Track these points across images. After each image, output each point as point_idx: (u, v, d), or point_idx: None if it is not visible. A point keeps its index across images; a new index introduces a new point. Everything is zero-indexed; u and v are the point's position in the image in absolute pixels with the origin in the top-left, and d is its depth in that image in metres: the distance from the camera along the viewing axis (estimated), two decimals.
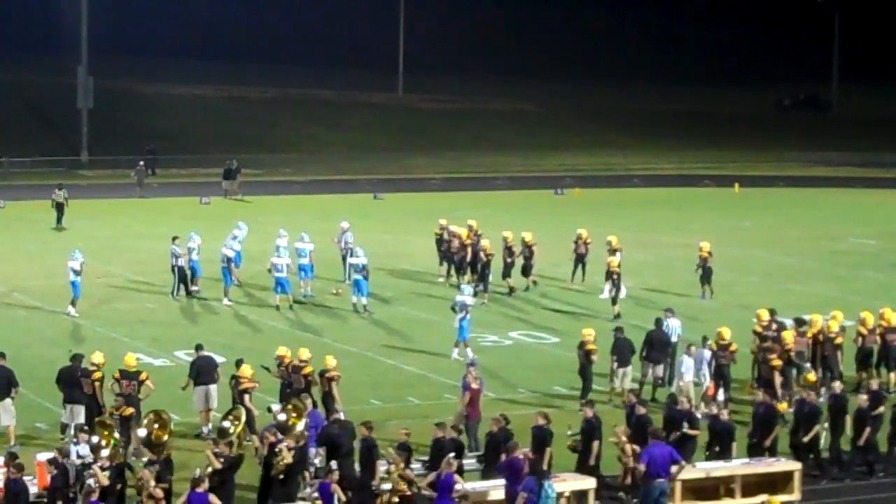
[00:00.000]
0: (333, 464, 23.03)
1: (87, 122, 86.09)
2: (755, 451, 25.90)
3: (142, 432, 23.41)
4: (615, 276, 41.20)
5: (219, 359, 33.45)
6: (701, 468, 24.63)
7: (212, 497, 21.64)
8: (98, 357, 27.94)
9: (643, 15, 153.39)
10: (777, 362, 30.34)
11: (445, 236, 46.26)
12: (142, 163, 73.60)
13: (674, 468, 23.71)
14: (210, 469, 22.49)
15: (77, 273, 39.92)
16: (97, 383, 27.34)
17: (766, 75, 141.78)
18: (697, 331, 34.14)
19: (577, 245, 46.06)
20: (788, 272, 48.67)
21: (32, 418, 28.76)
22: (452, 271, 45.66)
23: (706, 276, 43.91)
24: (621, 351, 31.24)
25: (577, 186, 76.94)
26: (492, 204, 69.49)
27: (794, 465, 24.92)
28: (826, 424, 26.43)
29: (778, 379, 30.03)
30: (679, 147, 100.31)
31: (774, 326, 32.34)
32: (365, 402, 30.23)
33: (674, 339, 33.12)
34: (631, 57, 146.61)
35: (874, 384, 28.01)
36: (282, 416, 24.23)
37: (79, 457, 23.45)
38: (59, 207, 57.23)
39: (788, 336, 31.53)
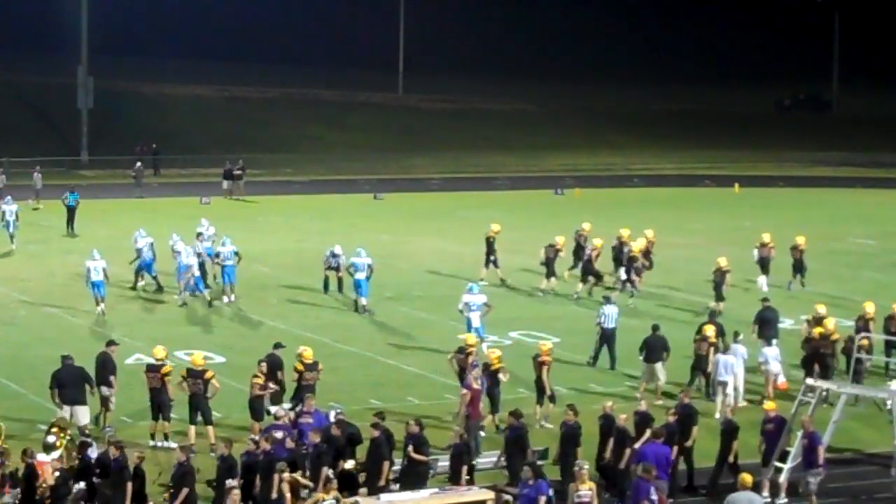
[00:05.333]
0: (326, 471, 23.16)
1: (87, 122, 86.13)
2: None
3: None
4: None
5: (218, 359, 33.60)
6: (385, 499, 22.78)
7: None
8: (160, 352, 28.18)
9: (643, 15, 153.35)
10: None
11: (583, 243, 45.98)
12: (139, 163, 73.62)
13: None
14: (45, 483, 22.26)
15: (104, 272, 40.06)
16: (167, 377, 27.54)
17: (766, 75, 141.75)
18: (683, 329, 34.09)
19: (578, 239, 46.16)
20: (788, 272, 48.63)
21: (33, 418, 28.73)
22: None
23: (799, 268, 45.69)
24: (650, 348, 31.79)
25: (577, 186, 76.98)
26: (492, 204, 69.54)
27: (487, 494, 23.13)
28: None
29: None
30: (679, 147, 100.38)
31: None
32: (365, 402, 30.24)
33: (612, 325, 34.44)
34: (631, 57, 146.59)
35: (643, 405, 26.33)
36: (50, 438, 23.68)
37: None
38: (70, 211, 56.79)
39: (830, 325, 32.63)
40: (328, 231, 47.22)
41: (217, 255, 42.34)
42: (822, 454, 24.48)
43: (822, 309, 34.58)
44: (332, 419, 25.76)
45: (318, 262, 44.95)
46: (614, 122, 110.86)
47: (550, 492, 22.25)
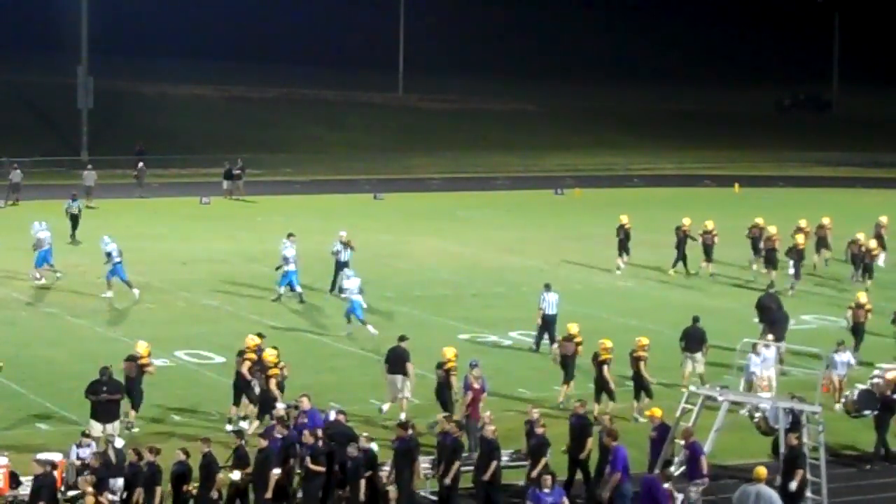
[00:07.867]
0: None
1: (87, 122, 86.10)
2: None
3: None
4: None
5: (218, 359, 33.59)
6: None
7: None
8: (251, 341, 28.91)
9: (643, 15, 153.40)
10: None
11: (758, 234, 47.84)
12: (142, 163, 73.67)
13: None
14: None
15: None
16: (272, 379, 28.06)
17: (766, 75, 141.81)
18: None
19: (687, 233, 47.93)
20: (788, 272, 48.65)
21: (33, 418, 28.73)
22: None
23: (868, 268, 46.74)
24: (690, 339, 32.33)
25: (577, 186, 76.99)
26: (492, 204, 69.58)
27: None
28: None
29: None
30: (679, 147, 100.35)
31: None
32: (365, 402, 30.23)
33: (553, 311, 35.81)
34: (631, 57, 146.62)
35: (534, 414, 24.97)
36: None
37: (78, 458, 23.59)
38: (74, 219, 55.45)
39: None
40: (328, 231, 47.14)
41: (109, 255, 42.37)
42: (705, 464, 23.49)
43: None
44: (332, 419, 25.75)
45: (317, 262, 44.88)
46: (614, 122, 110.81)
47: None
